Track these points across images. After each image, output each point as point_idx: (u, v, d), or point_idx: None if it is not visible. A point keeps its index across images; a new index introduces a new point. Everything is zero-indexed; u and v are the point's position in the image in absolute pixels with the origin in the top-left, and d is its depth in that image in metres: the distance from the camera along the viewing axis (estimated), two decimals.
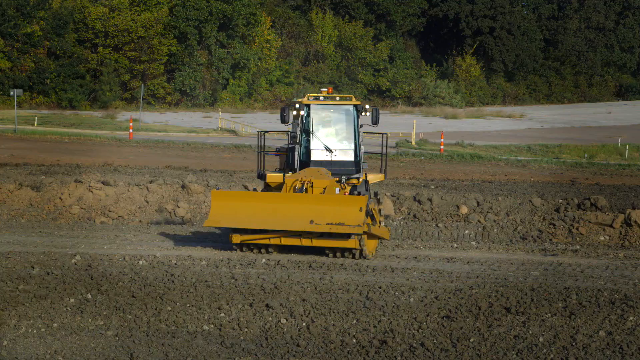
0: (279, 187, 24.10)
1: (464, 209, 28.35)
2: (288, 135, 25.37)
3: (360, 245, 22.55)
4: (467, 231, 27.08)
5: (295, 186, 23.26)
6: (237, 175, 40.50)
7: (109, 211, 28.82)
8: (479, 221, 27.68)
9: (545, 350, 15.22)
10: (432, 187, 37.91)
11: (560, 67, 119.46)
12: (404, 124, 78.58)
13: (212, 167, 44.67)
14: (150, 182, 30.70)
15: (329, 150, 24.50)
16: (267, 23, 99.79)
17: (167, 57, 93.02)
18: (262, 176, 24.84)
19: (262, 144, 24.95)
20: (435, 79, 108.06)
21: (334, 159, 24.48)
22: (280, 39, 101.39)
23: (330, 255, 22.78)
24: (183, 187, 30.29)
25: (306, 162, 24.47)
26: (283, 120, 24.25)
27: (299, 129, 24.64)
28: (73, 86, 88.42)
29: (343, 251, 22.77)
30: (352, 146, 24.73)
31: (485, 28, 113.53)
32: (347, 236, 22.29)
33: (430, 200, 29.03)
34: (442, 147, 60.28)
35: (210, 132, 71.75)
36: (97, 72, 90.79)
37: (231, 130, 73.41)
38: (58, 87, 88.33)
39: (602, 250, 24.82)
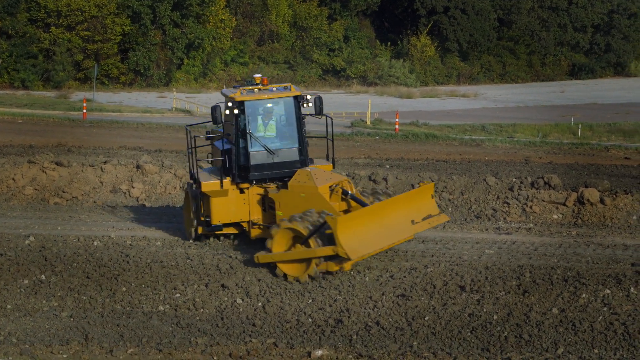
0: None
1: None
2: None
3: None
4: None
5: (346, 192, 21.37)
6: None
7: (63, 192, 28.63)
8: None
9: (499, 328, 15.34)
10: (388, 166, 37.98)
11: (514, 46, 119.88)
12: (359, 104, 78.62)
13: (167, 148, 44.45)
14: (105, 162, 30.52)
15: (270, 152, 22.00)
16: (221, 2, 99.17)
17: (120, 37, 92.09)
18: (195, 178, 22.67)
19: (190, 138, 23.43)
20: (390, 59, 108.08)
21: (276, 160, 22.03)
22: (234, 19, 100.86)
23: None
24: (138, 167, 30.14)
25: (245, 166, 21.93)
26: (215, 121, 21.92)
27: (233, 128, 22.19)
28: (25, 66, 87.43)
29: None
30: (296, 144, 22.39)
31: (440, 7, 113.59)
32: None
33: (385, 179, 29.07)
34: (397, 126, 60.31)
35: (164, 112, 71.32)
36: (50, 52, 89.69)
37: (186, 110, 73.02)
38: (10, 67, 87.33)
39: (555, 229, 24.99)
